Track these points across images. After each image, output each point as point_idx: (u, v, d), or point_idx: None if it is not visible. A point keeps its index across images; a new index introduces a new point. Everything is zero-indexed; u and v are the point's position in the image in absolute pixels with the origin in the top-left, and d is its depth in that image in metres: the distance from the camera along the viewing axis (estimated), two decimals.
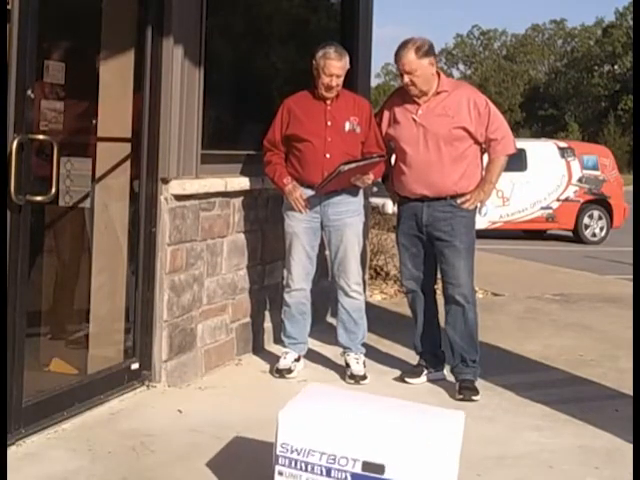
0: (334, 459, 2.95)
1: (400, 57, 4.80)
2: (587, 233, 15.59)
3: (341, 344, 5.17)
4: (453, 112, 4.81)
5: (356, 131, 5.00)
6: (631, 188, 15.48)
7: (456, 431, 3.20)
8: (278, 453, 3.06)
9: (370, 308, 5.58)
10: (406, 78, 4.79)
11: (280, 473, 3.04)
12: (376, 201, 8.76)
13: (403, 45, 4.82)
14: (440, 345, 5.12)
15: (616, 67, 64.57)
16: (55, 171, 3.82)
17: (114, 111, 4.70)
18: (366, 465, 2.92)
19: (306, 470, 2.99)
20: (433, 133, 4.80)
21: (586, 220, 15.56)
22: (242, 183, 5.27)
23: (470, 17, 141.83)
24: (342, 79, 4.98)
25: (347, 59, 5.01)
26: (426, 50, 4.80)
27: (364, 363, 5.11)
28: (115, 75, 4.70)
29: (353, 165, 4.83)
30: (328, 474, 2.95)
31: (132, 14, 4.65)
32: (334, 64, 4.92)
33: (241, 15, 5.84)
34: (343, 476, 2.94)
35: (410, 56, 4.77)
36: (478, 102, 4.85)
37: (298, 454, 2.99)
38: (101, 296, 4.75)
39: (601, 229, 15.67)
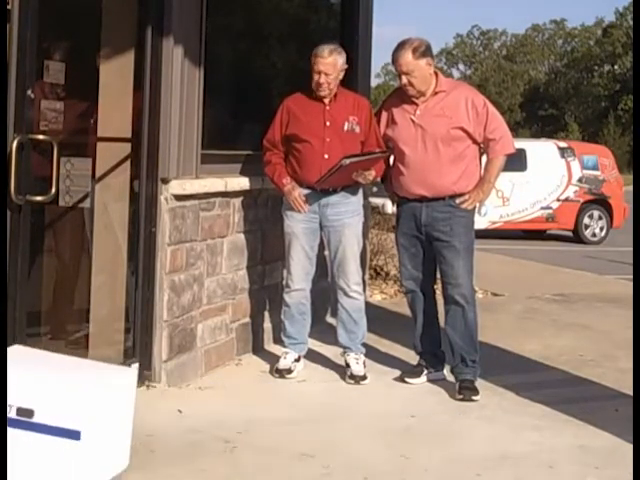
0: None
1: (397, 58, 4.80)
2: (587, 233, 15.59)
3: (341, 344, 5.17)
4: (451, 112, 4.81)
5: (355, 131, 5.00)
6: (631, 188, 15.48)
7: (121, 384, 3.47)
8: None
9: (370, 308, 5.58)
10: (404, 79, 4.80)
11: None
12: (376, 201, 8.76)
13: (400, 46, 4.83)
14: (440, 345, 5.12)
15: (616, 67, 64.56)
16: (55, 171, 3.83)
17: (114, 111, 4.70)
18: (19, 410, 3.22)
19: None
20: (431, 133, 4.80)
21: (586, 220, 15.56)
22: (242, 183, 5.27)
23: (470, 17, 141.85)
24: (333, 77, 4.93)
25: (339, 57, 4.96)
26: (423, 51, 4.80)
27: (364, 363, 5.11)
28: (115, 75, 4.70)
29: (355, 159, 4.83)
30: None
31: (132, 14, 4.65)
32: (322, 61, 4.90)
33: (241, 15, 5.84)
34: None
35: (407, 57, 4.77)
36: (476, 102, 4.85)
37: None
38: (101, 296, 4.76)
39: (601, 229, 15.67)
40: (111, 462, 3.42)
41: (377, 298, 7.64)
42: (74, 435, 3.19)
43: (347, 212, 5.06)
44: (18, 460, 3.21)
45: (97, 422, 3.28)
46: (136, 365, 3.67)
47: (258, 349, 5.57)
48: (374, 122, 5.02)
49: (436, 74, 4.88)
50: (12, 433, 3.22)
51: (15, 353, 3.66)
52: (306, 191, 5.00)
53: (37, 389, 3.27)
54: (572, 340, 6.33)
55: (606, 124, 55.46)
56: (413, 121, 4.85)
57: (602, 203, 15.62)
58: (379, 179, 5.15)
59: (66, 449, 3.20)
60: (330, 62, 4.93)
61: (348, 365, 5.09)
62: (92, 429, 3.23)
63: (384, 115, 5.02)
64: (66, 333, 4.88)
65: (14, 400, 3.23)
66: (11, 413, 3.22)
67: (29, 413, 3.21)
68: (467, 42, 79.32)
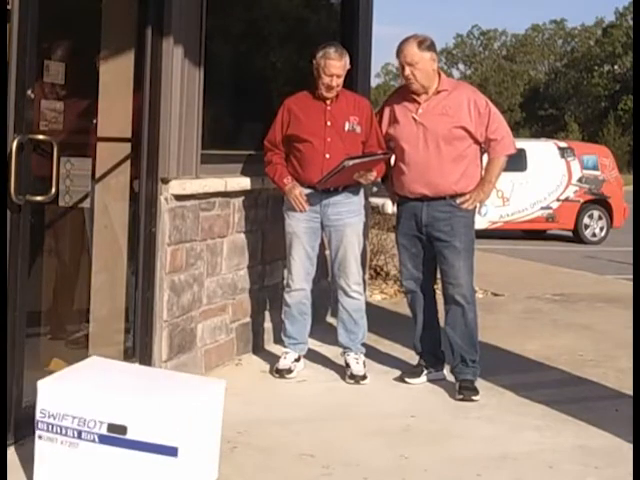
0: (84, 422, 3.19)
1: (402, 49, 4.81)
2: (587, 233, 15.59)
3: (341, 344, 5.17)
4: (453, 112, 4.81)
5: (356, 131, 5.00)
6: (631, 188, 15.48)
7: (211, 397, 3.45)
8: (38, 418, 3.27)
9: (370, 308, 5.58)
10: (407, 70, 4.80)
11: (40, 437, 3.27)
12: (376, 201, 8.76)
13: (405, 39, 4.86)
14: (440, 345, 5.12)
15: (616, 67, 64.54)
16: (55, 171, 3.82)
17: (114, 111, 4.70)
18: (111, 427, 3.17)
19: (61, 433, 3.22)
20: (433, 132, 4.81)
21: (586, 220, 15.56)
22: (242, 183, 5.27)
23: (470, 17, 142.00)
24: (342, 79, 4.98)
25: (347, 59, 5.01)
26: (428, 45, 4.82)
27: (364, 363, 5.11)
28: (115, 75, 4.70)
29: (357, 161, 4.83)
30: (79, 436, 3.19)
31: (132, 14, 4.65)
32: (334, 64, 4.92)
33: (241, 15, 5.84)
34: (92, 437, 3.19)
35: (412, 48, 4.78)
36: (478, 102, 4.85)
37: (54, 419, 3.21)
38: (101, 296, 4.75)
39: (601, 229, 15.68)
40: (204, 476, 3.37)
41: (377, 298, 7.64)
42: (171, 452, 3.13)
43: (348, 212, 5.06)
44: (112, 479, 3.15)
45: (192, 437, 3.21)
46: (224, 382, 3.59)
47: (258, 349, 5.57)
48: (375, 122, 5.03)
49: (439, 73, 4.89)
50: (104, 450, 3.15)
51: (94, 365, 3.61)
52: (307, 191, 5.00)
53: (128, 404, 3.20)
54: (572, 340, 6.33)
55: (606, 124, 55.45)
56: (415, 119, 4.85)
57: (602, 203, 15.62)
58: (379, 179, 5.15)
59: (163, 466, 3.13)
60: (342, 65, 4.95)
61: (348, 365, 5.09)
62: (188, 444, 3.17)
63: (386, 114, 5.03)
64: (66, 333, 4.88)
65: (105, 416, 3.16)
66: (102, 430, 3.16)
67: (122, 429, 3.15)
68: (467, 42, 79.34)
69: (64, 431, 3.20)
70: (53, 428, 3.21)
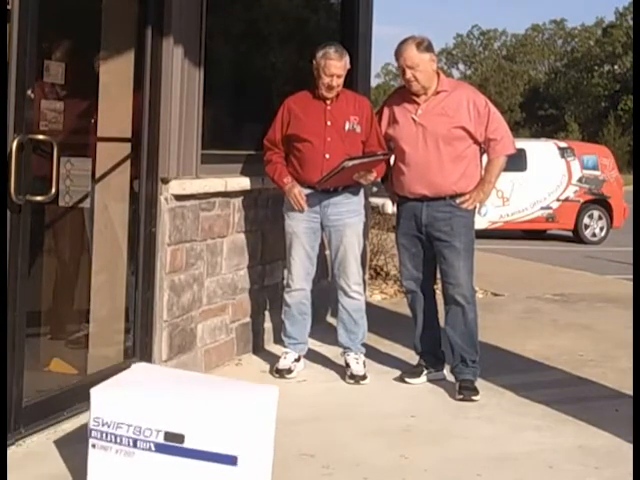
0: (140, 430, 3.13)
1: (401, 52, 4.81)
2: (587, 233, 15.59)
3: (341, 344, 5.17)
4: (452, 112, 4.81)
5: (356, 131, 5.00)
6: (631, 188, 15.48)
7: (266, 404, 3.41)
8: (91, 427, 3.22)
9: (370, 308, 5.58)
10: (408, 73, 4.80)
11: (93, 446, 3.22)
12: (376, 201, 8.75)
13: (403, 41, 4.85)
14: (440, 345, 5.12)
15: (616, 67, 64.49)
16: (55, 171, 3.82)
17: (114, 111, 4.70)
18: (168, 435, 3.11)
19: (115, 442, 3.16)
20: (432, 132, 4.81)
21: (586, 220, 15.56)
22: (242, 183, 5.27)
23: (470, 17, 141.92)
24: (342, 79, 4.98)
25: (347, 59, 5.02)
26: (426, 45, 4.83)
27: (364, 363, 5.11)
28: (115, 75, 4.70)
29: (357, 161, 4.83)
30: (135, 445, 3.13)
31: (132, 14, 4.65)
32: (334, 64, 4.92)
33: (241, 15, 5.84)
34: (148, 446, 3.12)
35: (412, 51, 4.79)
36: (477, 102, 4.85)
37: (108, 427, 3.16)
38: (101, 296, 4.75)
39: (601, 229, 15.67)
40: None
41: (377, 298, 7.64)
42: (230, 460, 3.07)
43: (348, 212, 5.06)
44: None
45: (251, 445, 3.16)
46: (276, 388, 3.60)
47: (258, 349, 5.57)
48: (375, 122, 5.03)
49: (438, 74, 4.89)
50: (161, 459, 3.09)
51: (142, 372, 3.56)
52: (307, 191, 5.00)
53: (185, 412, 3.14)
54: (572, 340, 6.33)
55: (606, 124, 55.38)
56: (414, 120, 4.86)
57: (602, 203, 15.62)
58: (379, 179, 5.15)
59: (222, 475, 3.07)
60: (342, 65, 4.95)
61: (348, 365, 5.09)
62: (247, 453, 3.11)
63: (385, 114, 5.03)
64: (66, 333, 4.88)
65: (161, 424, 3.11)
66: (159, 438, 3.10)
67: (179, 438, 3.09)
68: (467, 42, 79.31)
69: (119, 440, 3.15)
70: (107, 436, 3.15)
